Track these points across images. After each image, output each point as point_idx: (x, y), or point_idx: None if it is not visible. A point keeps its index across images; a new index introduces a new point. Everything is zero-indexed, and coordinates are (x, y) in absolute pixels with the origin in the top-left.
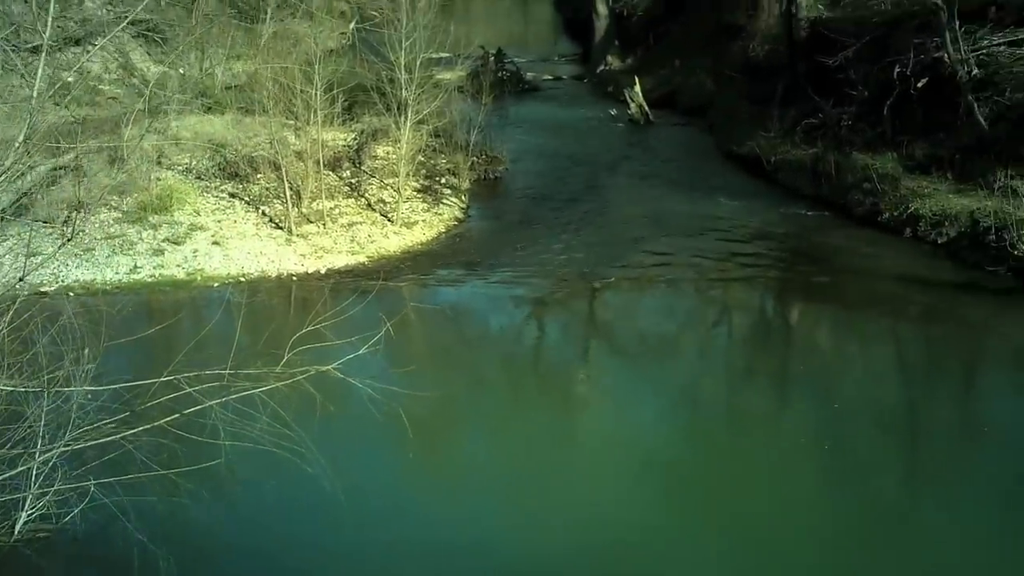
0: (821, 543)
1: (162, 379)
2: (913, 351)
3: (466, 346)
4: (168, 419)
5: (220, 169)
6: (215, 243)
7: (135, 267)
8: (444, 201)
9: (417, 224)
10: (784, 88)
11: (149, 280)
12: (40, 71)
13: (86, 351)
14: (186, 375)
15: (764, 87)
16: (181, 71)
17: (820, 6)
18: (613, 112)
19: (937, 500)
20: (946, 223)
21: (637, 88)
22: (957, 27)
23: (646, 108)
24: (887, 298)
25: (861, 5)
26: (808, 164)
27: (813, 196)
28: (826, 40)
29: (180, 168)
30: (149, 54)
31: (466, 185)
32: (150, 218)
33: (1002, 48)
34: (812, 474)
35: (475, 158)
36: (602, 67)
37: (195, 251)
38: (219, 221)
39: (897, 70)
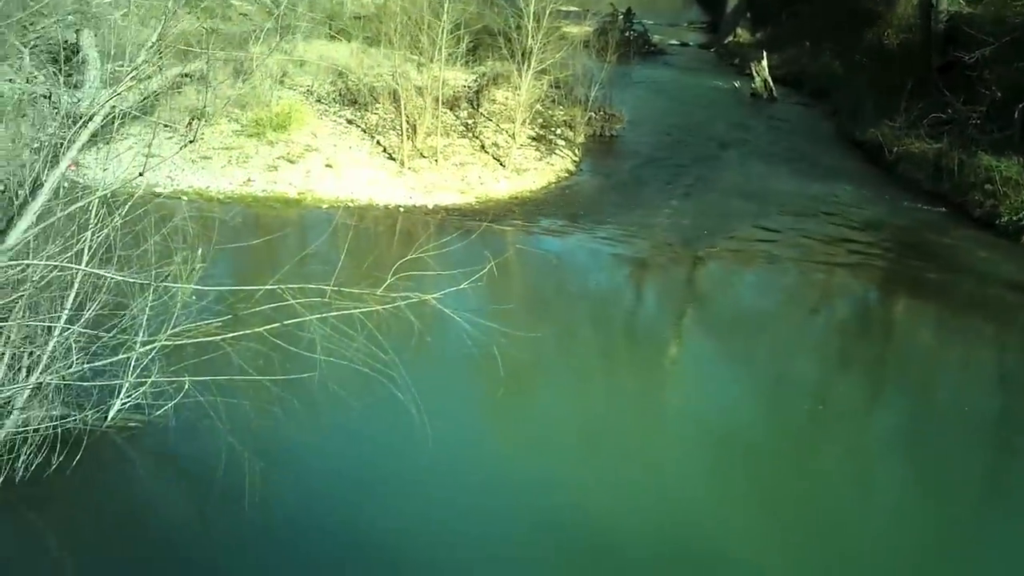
0: (886, 549)
1: (267, 287)
2: (1017, 360)
3: (563, 297)
4: (268, 327)
5: (340, 95)
6: (328, 166)
7: (248, 180)
8: (557, 152)
9: (528, 172)
10: (915, 80)
11: (260, 194)
12: None
13: (199, 252)
14: (290, 286)
15: (894, 77)
16: None
17: (961, 0)
18: (737, 85)
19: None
20: None
21: (764, 63)
22: None
23: (771, 84)
24: (995, 304)
25: (1004, 3)
26: (930, 159)
27: (932, 192)
28: (964, 35)
29: (301, 89)
30: None
31: (580, 139)
32: (268, 134)
33: None
34: (891, 476)
35: (592, 114)
36: (730, 39)
37: (308, 172)
38: (334, 145)
39: None
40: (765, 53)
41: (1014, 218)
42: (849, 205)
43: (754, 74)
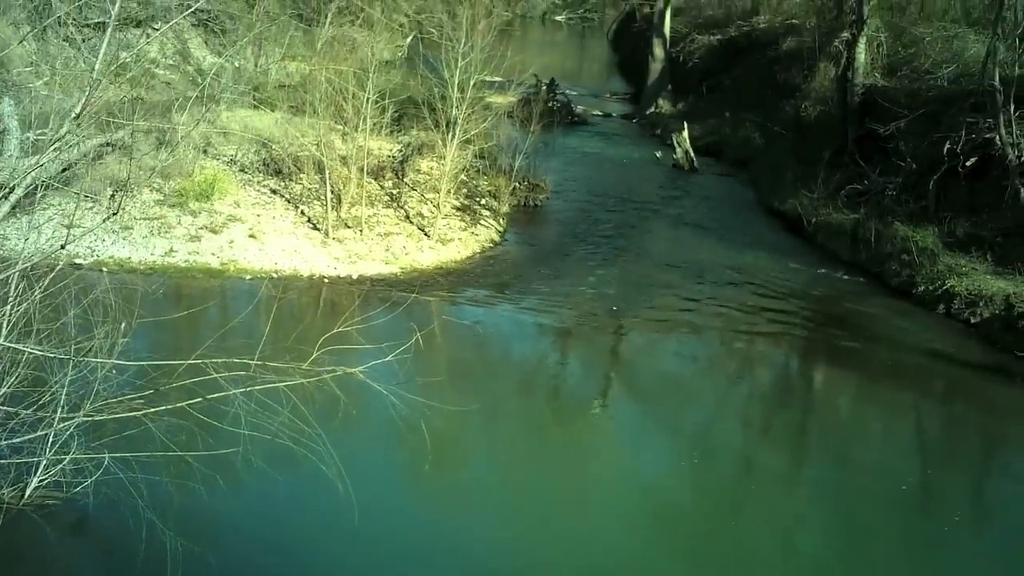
0: None
1: (189, 361)
2: (933, 427)
3: (490, 368)
4: (191, 402)
5: (264, 164)
6: (251, 236)
7: (171, 250)
8: (482, 222)
9: (453, 242)
10: (832, 151)
11: (183, 265)
12: (104, 47)
13: (122, 325)
14: (213, 360)
15: (812, 148)
16: (236, 64)
17: (876, 73)
18: (659, 155)
19: None
20: (981, 303)
21: (685, 134)
22: (1012, 111)
23: (692, 155)
24: (913, 371)
25: (918, 77)
26: (848, 229)
27: (850, 261)
28: (879, 108)
29: (225, 159)
30: (207, 43)
31: (505, 209)
32: (190, 204)
33: None
34: (813, 538)
35: (517, 184)
36: (652, 109)
37: (231, 241)
38: (258, 215)
39: (947, 146)
40: (686, 124)
41: (930, 287)
42: (769, 274)
43: (675, 144)
